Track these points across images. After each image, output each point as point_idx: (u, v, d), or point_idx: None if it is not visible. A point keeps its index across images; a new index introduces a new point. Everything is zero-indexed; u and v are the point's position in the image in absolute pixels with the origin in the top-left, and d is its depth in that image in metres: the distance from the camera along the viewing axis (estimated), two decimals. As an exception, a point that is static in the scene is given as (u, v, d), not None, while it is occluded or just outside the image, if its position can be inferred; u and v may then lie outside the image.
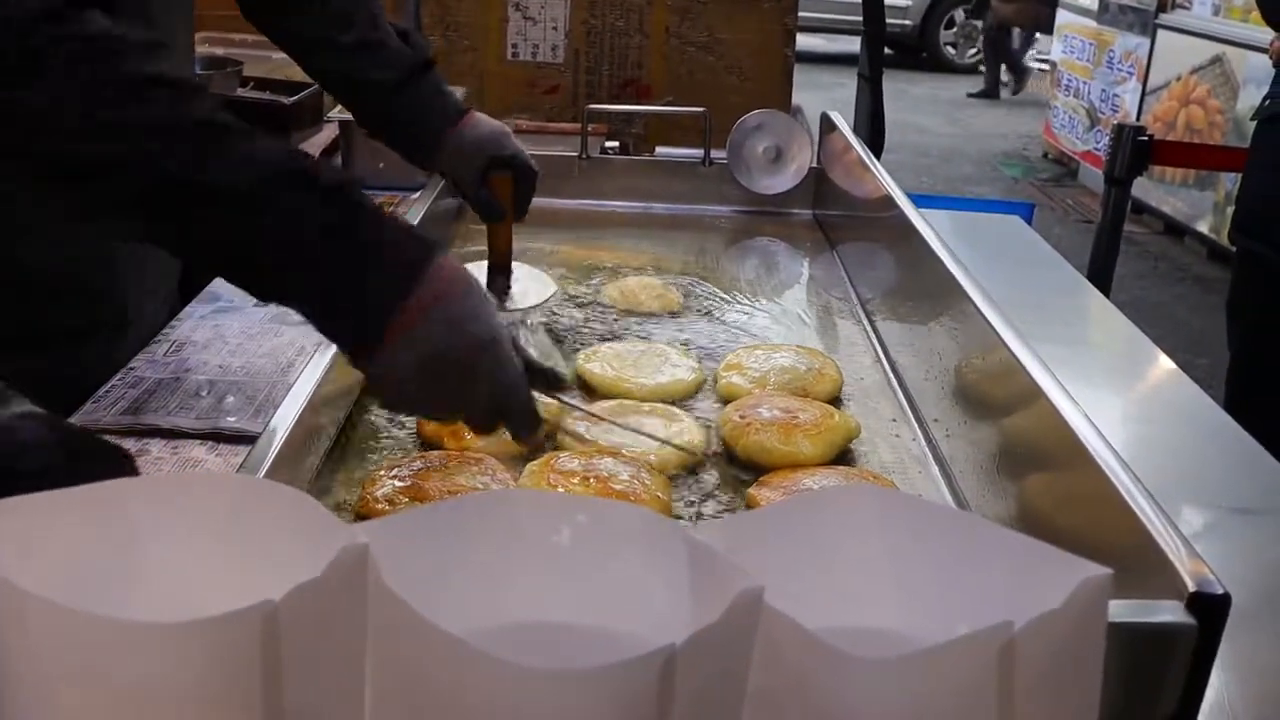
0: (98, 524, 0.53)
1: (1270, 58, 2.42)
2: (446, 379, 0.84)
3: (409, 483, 0.98)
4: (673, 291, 1.56)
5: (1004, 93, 9.53)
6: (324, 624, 0.48)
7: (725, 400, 1.24)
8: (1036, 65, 9.74)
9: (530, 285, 1.53)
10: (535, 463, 1.05)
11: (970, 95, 9.36)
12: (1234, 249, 2.42)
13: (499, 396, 0.88)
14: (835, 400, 1.26)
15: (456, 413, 0.90)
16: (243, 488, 0.54)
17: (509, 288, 1.50)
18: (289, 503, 0.52)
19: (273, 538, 0.52)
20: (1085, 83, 6.67)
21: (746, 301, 1.58)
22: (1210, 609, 0.61)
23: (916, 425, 1.24)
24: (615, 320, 1.48)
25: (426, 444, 1.12)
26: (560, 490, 0.98)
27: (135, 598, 0.52)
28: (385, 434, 1.16)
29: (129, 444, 1.04)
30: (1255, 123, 2.44)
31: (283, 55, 2.29)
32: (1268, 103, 2.28)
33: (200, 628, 0.46)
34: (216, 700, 0.47)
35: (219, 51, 2.15)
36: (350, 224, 0.79)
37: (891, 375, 1.36)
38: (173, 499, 0.54)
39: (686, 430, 1.14)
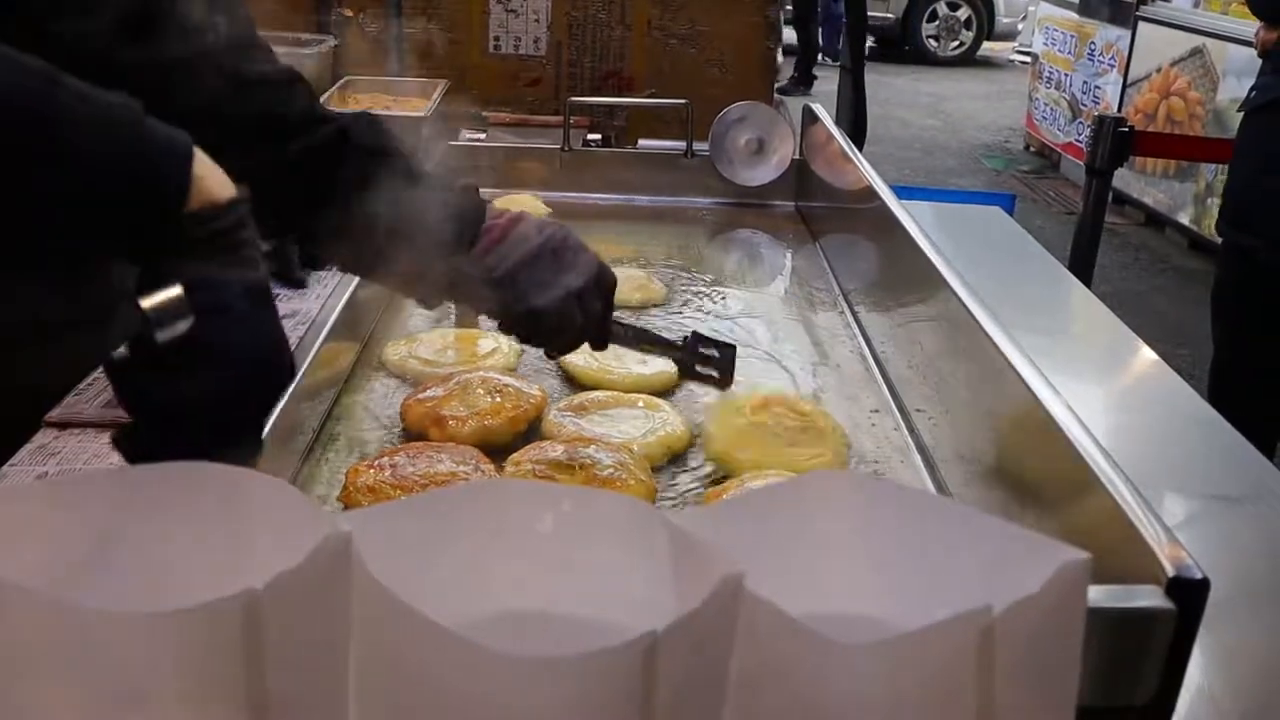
0: (78, 514, 0.53)
1: (1256, 48, 2.39)
2: (545, 266, 0.96)
3: (393, 473, 0.98)
4: (655, 283, 1.56)
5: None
6: (307, 612, 0.48)
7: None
8: (1018, 57, 9.75)
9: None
10: (520, 452, 1.05)
11: None
12: (1219, 240, 2.42)
13: (593, 286, 1.00)
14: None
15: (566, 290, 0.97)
16: (224, 477, 0.54)
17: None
18: (271, 492, 0.52)
19: (255, 527, 0.52)
20: (1066, 75, 6.68)
21: (730, 293, 1.58)
22: (1189, 593, 0.61)
23: (899, 415, 1.24)
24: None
25: (410, 434, 1.12)
26: (544, 479, 0.99)
27: (116, 587, 0.51)
28: (369, 424, 1.16)
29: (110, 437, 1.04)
30: (1241, 114, 2.45)
31: (276, 50, 2.29)
32: (1254, 94, 2.27)
33: (182, 617, 0.46)
34: (199, 689, 0.47)
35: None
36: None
37: (874, 366, 1.37)
38: (154, 489, 0.53)
39: (669, 421, 1.14)
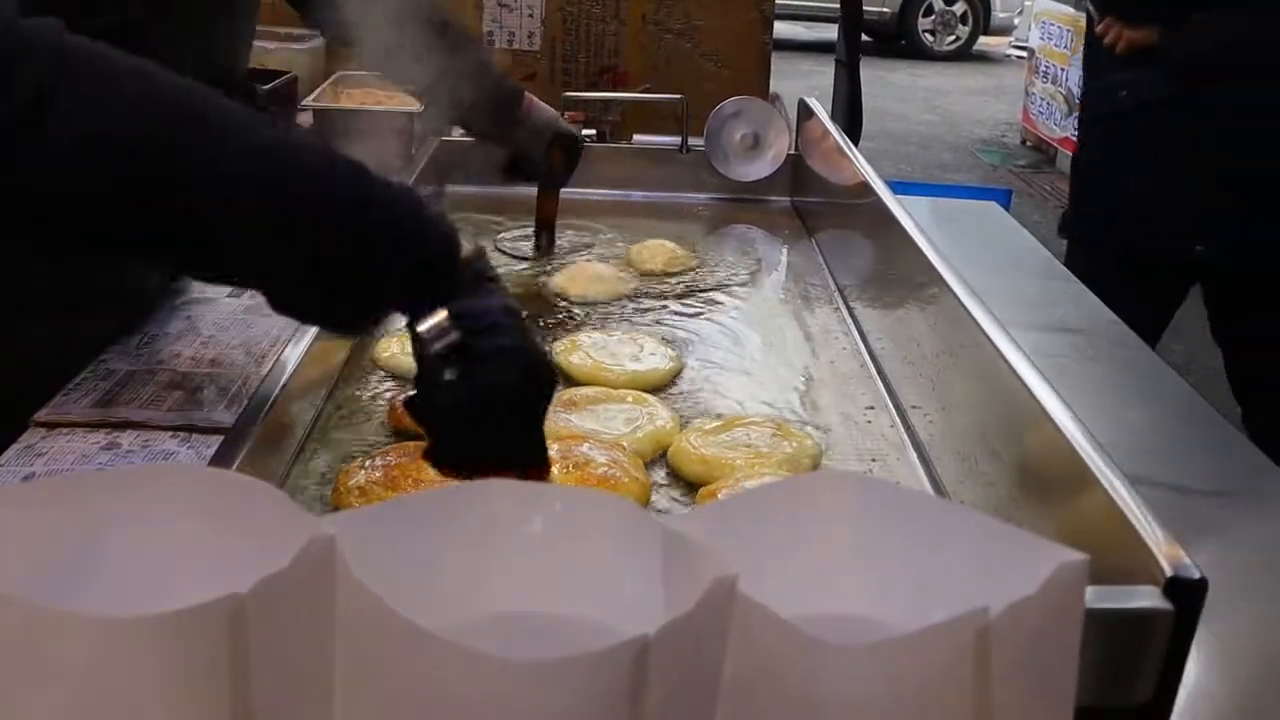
0: (62, 516, 0.52)
1: (1119, 47, 2.13)
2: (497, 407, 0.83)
3: (384, 473, 0.97)
4: (682, 250, 1.65)
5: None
6: (291, 617, 0.47)
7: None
8: (1014, 52, 9.73)
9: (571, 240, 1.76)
10: None
11: None
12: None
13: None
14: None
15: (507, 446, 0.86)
16: (209, 480, 0.53)
17: (553, 242, 1.72)
18: (256, 495, 0.51)
19: (240, 530, 0.51)
20: (1063, 69, 6.67)
21: (723, 288, 1.58)
22: (1187, 594, 0.61)
23: (894, 412, 1.24)
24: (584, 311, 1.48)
25: (400, 435, 1.11)
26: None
27: (100, 591, 0.51)
28: (360, 425, 1.15)
29: (99, 437, 1.03)
30: (1080, 115, 2.41)
31: (258, 43, 2.27)
32: (1123, 94, 2.19)
33: (165, 621, 0.45)
34: (182, 695, 0.46)
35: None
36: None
37: (869, 362, 1.36)
38: (138, 491, 0.53)
39: (658, 416, 1.13)
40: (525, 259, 1.67)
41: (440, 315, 0.78)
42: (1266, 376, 2.09)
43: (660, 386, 1.25)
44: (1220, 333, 2.29)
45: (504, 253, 1.68)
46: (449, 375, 0.78)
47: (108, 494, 0.52)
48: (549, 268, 1.62)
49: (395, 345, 1.29)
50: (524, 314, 0.85)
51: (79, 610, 0.45)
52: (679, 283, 1.60)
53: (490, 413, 0.80)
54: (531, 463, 0.84)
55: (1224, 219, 2.08)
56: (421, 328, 0.79)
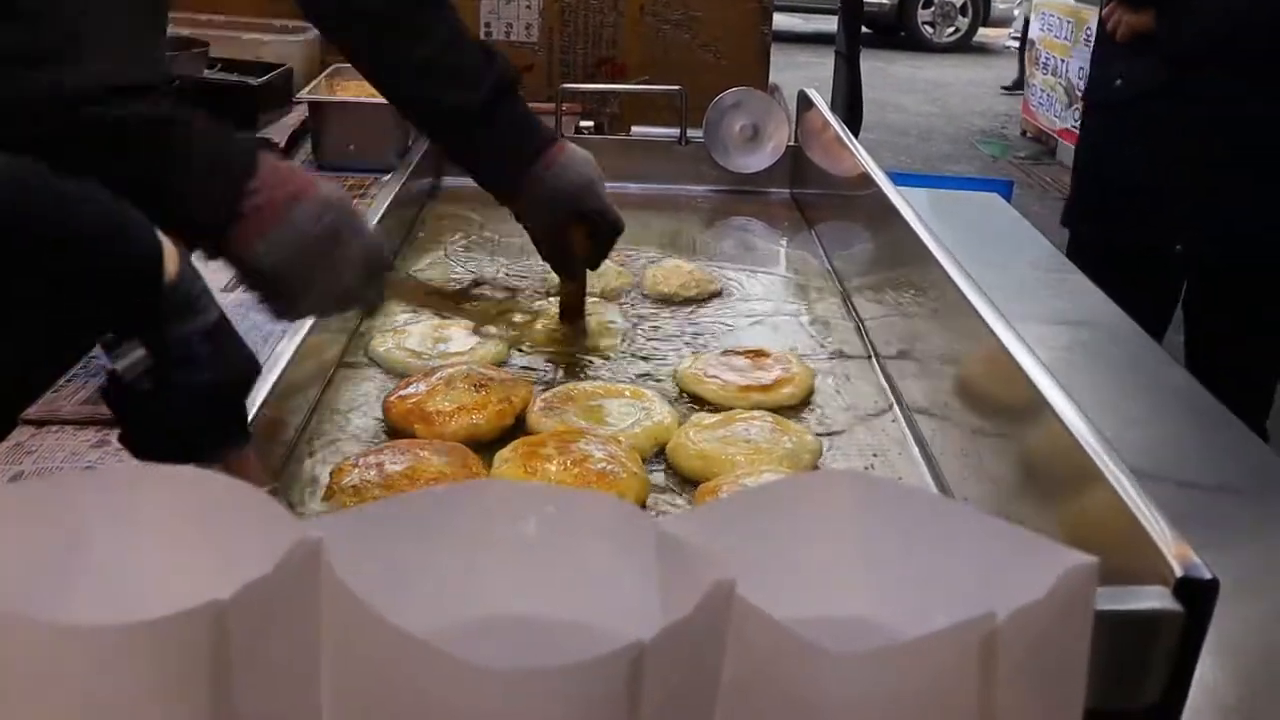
0: (43, 520, 0.51)
1: (1119, 33, 2.13)
2: (318, 257, 0.89)
3: (377, 472, 0.96)
4: (703, 272, 1.56)
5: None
6: (276, 624, 0.46)
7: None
8: (1014, 43, 9.71)
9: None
10: (508, 448, 1.02)
11: (1004, 89, 8.88)
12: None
13: (365, 270, 0.94)
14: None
15: (336, 287, 0.93)
16: (193, 482, 0.52)
17: (583, 331, 1.38)
18: (241, 498, 0.50)
19: (225, 534, 0.50)
20: (1063, 60, 6.65)
21: (726, 281, 1.56)
22: (1198, 594, 0.59)
23: (896, 406, 1.22)
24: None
25: (395, 431, 1.10)
26: (537, 473, 0.97)
27: (81, 597, 0.49)
28: (355, 422, 1.13)
29: (89, 434, 1.02)
30: (1084, 102, 2.41)
31: (252, 35, 2.26)
32: (1117, 83, 2.17)
33: (144, 630, 0.43)
34: (163, 704, 0.45)
35: (185, 32, 2.11)
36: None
37: (871, 356, 1.35)
38: (121, 495, 0.51)
39: (656, 412, 1.12)
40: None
41: (131, 346, 0.73)
42: (1223, 370, 2.06)
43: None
44: (1190, 320, 2.29)
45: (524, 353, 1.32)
46: (134, 411, 0.76)
47: (89, 497, 0.51)
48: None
49: (391, 340, 1.27)
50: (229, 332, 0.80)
51: (54, 619, 0.43)
52: (690, 311, 1.46)
53: (174, 453, 0.73)
54: None
55: (1208, 211, 2.07)
56: (118, 364, 0.73)
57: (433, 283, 1.31)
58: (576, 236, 1.29)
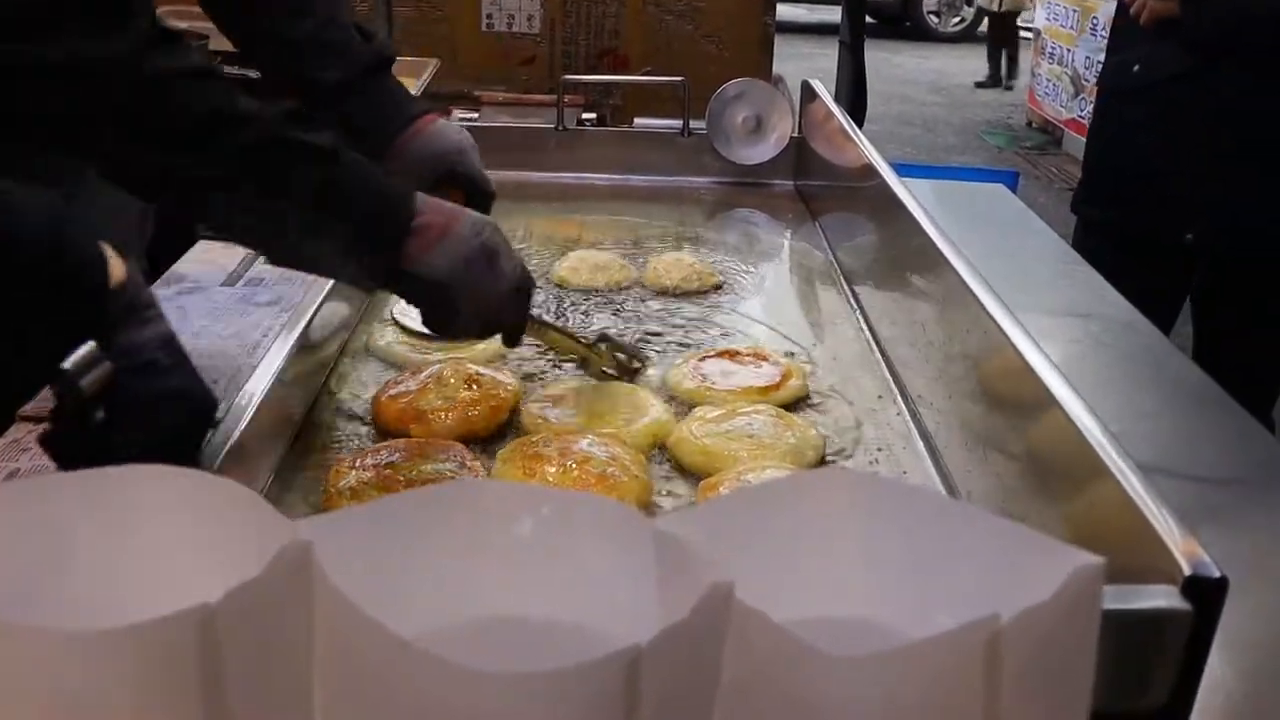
0: (30, 522, 0.50)
1: (1144, 17, 2.08)
2: (478, 271, 0.97)
3: (374, 473, 0.95)
4: (704, 267, 1.53)
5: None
6: (267, 627, 0.45)
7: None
8: (1021, 33, 9.67)
9: None
10: (507, 448, 1.01)
11: (978, 84, 8.79)
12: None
13: (516, 286, 1.02)
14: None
15: (494, 298, 1.00)
16: (183, 483, 0.51)
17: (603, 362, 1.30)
18: (232, 499, 0.49)
19: (215, 536, 0.49)
20: (1069, 50, 6.62)
21: (728, 275, 1.55)
22: (1206, 593, 0.58)
23: (901, 399, 1.21)
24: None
25: (386, 431, 1.08)
26: (537, 474, 0.95)
27: (69, 599, 0.49)
28: (353, 419, 1.12)
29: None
30: (1098, 88, 2.39)
31: (251, 29, 2.24)
32: (1136, 69, 2.16)
33: (132, 634, 0.43)
34: (151, 709, 0.44)
35: (184, 25, 2.10)
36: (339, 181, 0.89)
37: (875, 348, 1.34)
38: (110, 496, 0.50)
39: (651, 409, 1.11)
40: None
41: (86, 350, 0.71)
42: (1231, 363, 2.05)
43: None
44: (1198, 311, 2.28)
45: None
46: (99, 417, 0.72)
47: (77, 498, 0.50)
48: (552, 262, 1.58)
49: (390, 333, 1.26)
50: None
51: (42, 625, 0.42)
52: (694, 305, 1.45)
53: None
54: None
55: (1218, 203, 2.06)
56: (82, 380, 0.71)
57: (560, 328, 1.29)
58: (453, 200, 1.30)
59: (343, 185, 0.90)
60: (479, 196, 1.29)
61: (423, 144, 1.27)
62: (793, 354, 1.31)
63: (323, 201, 0.88)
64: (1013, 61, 8.77)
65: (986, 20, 9.06)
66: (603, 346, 1.19)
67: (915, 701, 0.45)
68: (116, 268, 0.73)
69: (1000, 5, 8.46)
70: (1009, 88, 8.64)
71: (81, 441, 0.73)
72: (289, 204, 0.86)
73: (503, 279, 1.00)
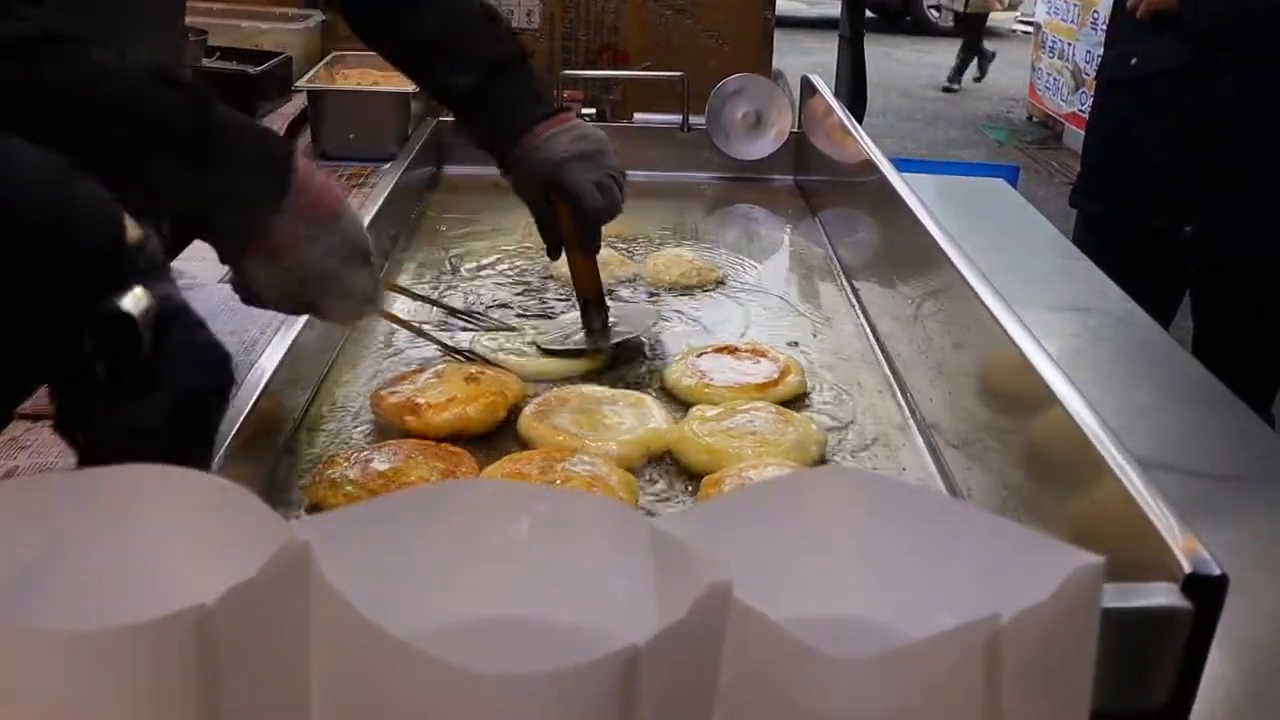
0: (27, 522, 0.50)
1: (1141, 11, 2.09)
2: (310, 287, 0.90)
3: (366, 472, 0.94)
4: (705, 263, 1.54)
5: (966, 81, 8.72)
6: (263, 627, 0.45)
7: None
8: (1020, 27, 9.65)
9: (629, 318, 1.36)
10: (494, 465, 1.00)
11: (944, 88, 8.61)
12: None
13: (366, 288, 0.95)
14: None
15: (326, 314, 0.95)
16: (180, 483, 0.51)
17: (606, 325, 1.31)
18: (229, 498, 0.49)
19: (212, 536, 0.49)
20: (1070, 44, 6.61)
21: (728, 269, 1.55)
22: (1207, 591, 0.58)
23: (900, 394, 1.21)
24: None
25: (384, 425, 1.08)
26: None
27: (64, 599, 0.48)
28: (351, 416, 1.12)
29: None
30: (1097, 82, 2.39)
31: (250, 24, 2.25)
32: (1133, 62, 2.16)
33: (129, 634, 0.42)
34: (149, 709, 0.44)
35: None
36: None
37: (875, 343, 1.33)
38: (106, 496, 0.50)
39: (652, 418, 1.10)
40: (580, 353, 1.26)
41: (131, 292, 0.68)
42: (1230, 358, 2.04)
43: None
44: (1197, 306, 2.27)
45: (552, 353, 1.26)
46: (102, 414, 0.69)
47: (74, 499, 0.50)
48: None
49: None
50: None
51: (38, 626, 0.42)
52: (694, 300, 1.45)
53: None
54: None
55: (1216, 198, 2.05)
56: (135, 308, 0.67)
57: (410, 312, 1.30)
58: (561, 214, 1.26)
59: (215, 146, 0.83)
60: (583, 209, 1.24)
61: (543, 148, 1.22)
62: (796, 342, 1.31)
63: (187, 160, 0.82)
64: (982, 57, 8.71)
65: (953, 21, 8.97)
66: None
67: (915, 701, 0.45)
68: (132, 226, 0.70)
69: (967, 6, 8.37)
70: (977, 79, 8.62)
71: (100, 420, 0.71)
72: (160, 153, 0.81)
73: (343, 300, 0.93)
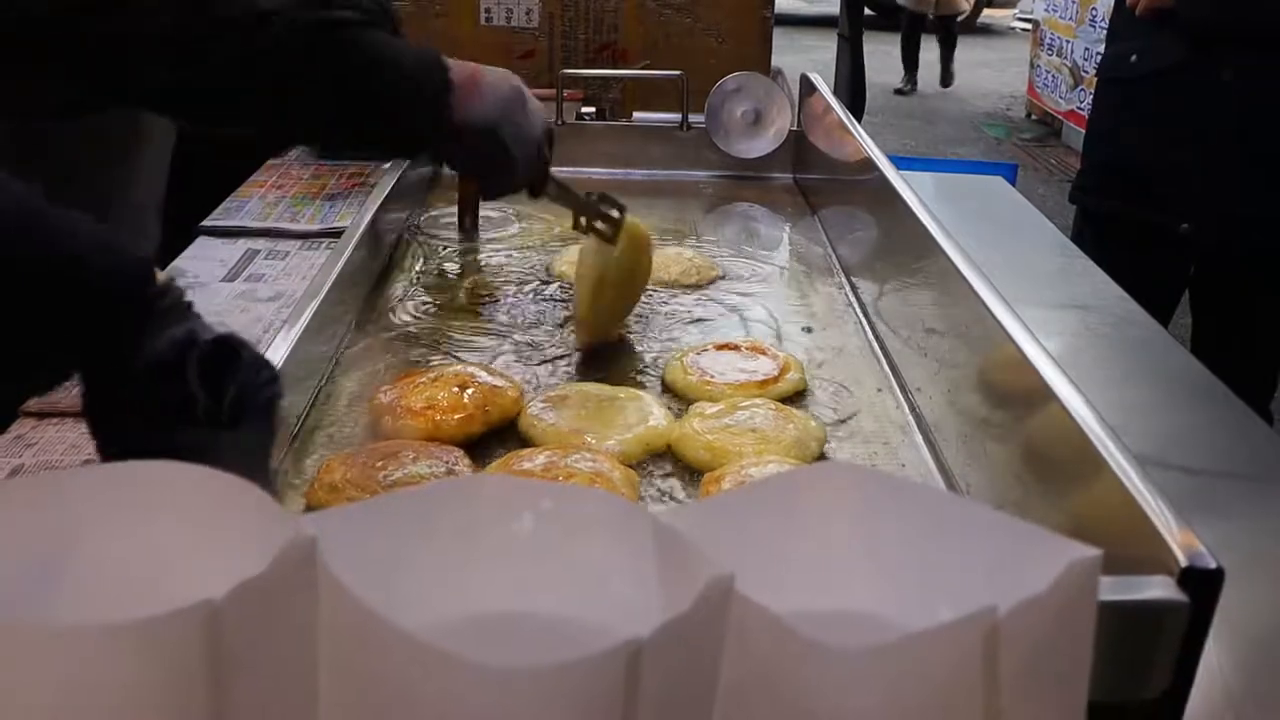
0: (34, 518, 0.50)
1: (1141, 9, 2.10)
2: (519, 114, 1.05)
3: (364, 472, 0.95)
4: (703, 260, 1.54)
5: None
6: (271, 622, 0.45)
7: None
8: (1019, 24, 9.64)
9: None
10: (496, 462, 1.01)
11: (897, 90, 8.37)
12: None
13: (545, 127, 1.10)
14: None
15: (528, 153, 1.08)
16: (187, 478, 0.51)
17: (476, 225, 1.64)
18: (235, 494, 0.49)
19: (219, 531, 0.49)
20: (1068, 41, 6.62)
21: (727, 265, 1.55)
22: (1203, 584, 0.59)
23: (899, 392, 1.22)
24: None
25: (381, 432, 1.08)
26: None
27: (72, 596, 0.49)
28: (352, 417, 1.13)
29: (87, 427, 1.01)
30: (1097, 79, 2.39)
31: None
32: (1133, 59, 2.17)
33: (135, 629, 0.43)
34: (157, 704, 0.44)
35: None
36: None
37: (874, 341, 1.34)
38: (113, 492, 0.51)
39: (653, 416, 1.11)
40: (449, 242, 1.59)
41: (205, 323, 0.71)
42: (1228, 357, 2.04)
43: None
44: (1196, 303, 2.28)
45: (428, 236, 1.59)
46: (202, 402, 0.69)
47: (80, 494, 0.50)
48: (552, 249, 1.59)
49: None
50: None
51: (45, 619, 0.43)
52: (693, 298, 1.46)
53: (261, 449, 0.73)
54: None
55: (1214, 194, 2.06)
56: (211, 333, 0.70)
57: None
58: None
59: (378, 55, 0.95)
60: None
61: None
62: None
63: (363, 71, 0.94)
64: (949, 61, 8.47)
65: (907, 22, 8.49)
66: (595, 201, 1.27)
67: (913, 692, 0.45)
68: (158, 272, 0.72)
69: (936, 9, 8.20)
70: (945, 85, 8.31)
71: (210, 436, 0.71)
72: (335, 83, 0.93)
73: (537, 117, 1.08)
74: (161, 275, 0.71)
